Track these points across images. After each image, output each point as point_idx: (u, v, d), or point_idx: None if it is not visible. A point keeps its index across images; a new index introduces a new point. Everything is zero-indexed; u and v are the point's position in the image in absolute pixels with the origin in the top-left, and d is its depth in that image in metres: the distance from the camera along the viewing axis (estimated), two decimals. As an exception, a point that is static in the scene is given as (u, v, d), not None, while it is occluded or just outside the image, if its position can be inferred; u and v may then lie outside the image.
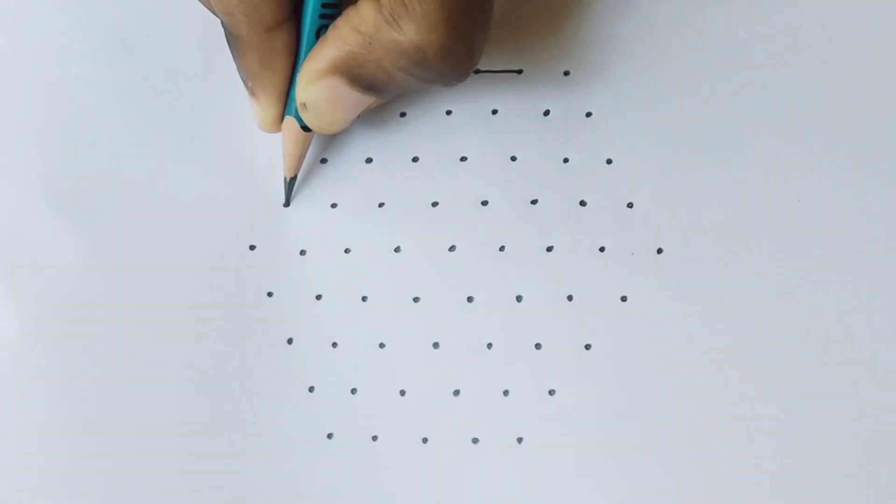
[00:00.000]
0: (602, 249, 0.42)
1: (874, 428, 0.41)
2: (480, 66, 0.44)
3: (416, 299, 0.43)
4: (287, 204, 0.43)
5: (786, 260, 0.42)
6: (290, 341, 0.43)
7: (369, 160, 0.44)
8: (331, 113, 0.40)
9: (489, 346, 0.42)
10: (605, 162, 0.43)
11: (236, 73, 0.43)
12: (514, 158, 0.43)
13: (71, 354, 0.43)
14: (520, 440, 0.42)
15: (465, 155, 0.43)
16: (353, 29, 0.38)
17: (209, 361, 0.42)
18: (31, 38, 0.45)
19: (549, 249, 0.43)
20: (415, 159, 0.44)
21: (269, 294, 0.43)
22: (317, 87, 0.39)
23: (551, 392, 0.42)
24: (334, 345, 0.43)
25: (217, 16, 0.39)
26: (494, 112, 0.44)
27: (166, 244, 0.43)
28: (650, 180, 0.43)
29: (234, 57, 0.41)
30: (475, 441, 0.42)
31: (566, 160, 0.43)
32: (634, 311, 0.42)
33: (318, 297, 0.43)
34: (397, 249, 0.43)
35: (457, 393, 0.42)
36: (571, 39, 0.44)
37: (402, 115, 0.44)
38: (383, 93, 0.39)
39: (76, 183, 0.44)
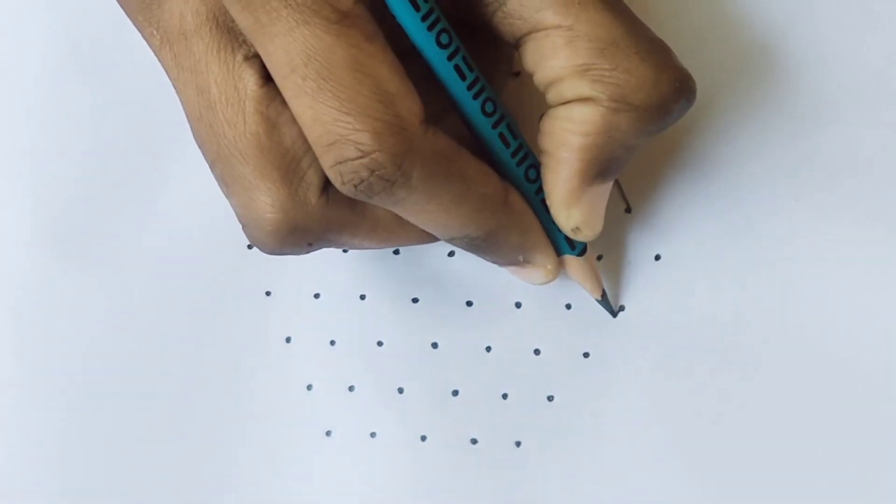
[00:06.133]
0: (599, 258, 0.42)
1: (877, 435, 0.41)
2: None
3: (414, 300, 0.43)
4: (614, 315, 0.42)
5: (784, 264, 0.42)
6: (288, 339, 0.43)
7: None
8: (600, 216, 0.39)
9: (488, 349, 0.42)
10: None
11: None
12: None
13: (66, 353, 0.43)
14: (518, 444, 0.42)
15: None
16: (581, 135, 0.36)
17: (207, 360, 0.43)
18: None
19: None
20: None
21: (268, 293, 0.43)
22: (581, 204, 0.38)
23: (550, 398, 0.42)
24: (332, 343, 0.43)
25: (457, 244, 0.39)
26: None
27: (163, 241, 0.43)
28: (648, 186, 0.42)
29: (489, 253, 0.39)
30: (474, 441, 0.42)
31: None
32: (632, 319, 0.42)
33: (317, 296, 0.43)
34: (396, 251, 0.43)
35: (455, 393, 0.42)
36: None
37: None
38: (623, 168, 0.38)
39: (72, 180, 0.44)
